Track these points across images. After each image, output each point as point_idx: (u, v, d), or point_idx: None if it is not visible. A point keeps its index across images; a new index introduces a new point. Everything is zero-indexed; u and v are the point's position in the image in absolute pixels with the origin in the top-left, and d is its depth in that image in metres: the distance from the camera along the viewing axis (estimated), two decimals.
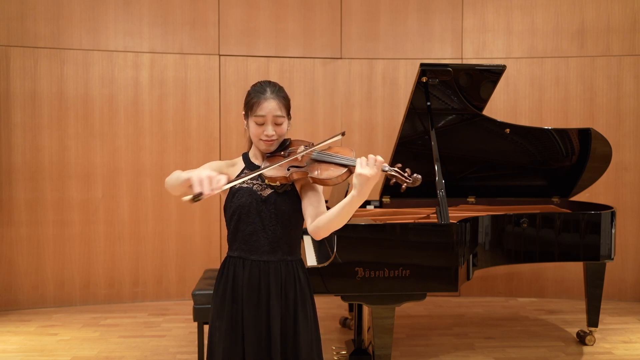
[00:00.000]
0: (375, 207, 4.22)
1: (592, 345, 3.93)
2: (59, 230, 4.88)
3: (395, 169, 1.86)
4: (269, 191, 2.02)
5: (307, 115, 5.18)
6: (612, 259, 3.69)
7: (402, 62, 5.21)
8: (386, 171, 1.84)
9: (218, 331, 2.06)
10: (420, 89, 3.56)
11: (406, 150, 3.91)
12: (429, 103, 3.60)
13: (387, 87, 5.23)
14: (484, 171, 4.20)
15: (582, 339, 3.98)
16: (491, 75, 3.67)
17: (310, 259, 3.16)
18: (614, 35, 5.06)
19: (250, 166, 2.09)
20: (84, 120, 4.91)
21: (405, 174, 1.85)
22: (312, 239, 3.76)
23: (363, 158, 1.82)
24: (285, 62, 5.17)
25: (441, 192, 3.19)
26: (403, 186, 1.85)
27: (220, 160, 2.23)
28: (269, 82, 2.08)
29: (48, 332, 4.24)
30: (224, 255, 2.14)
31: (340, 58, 5.21)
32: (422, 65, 3.44)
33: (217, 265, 2.19)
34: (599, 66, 5.08)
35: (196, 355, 3.50)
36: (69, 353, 3.82)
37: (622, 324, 4.44)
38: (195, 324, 3.54)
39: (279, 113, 2.01)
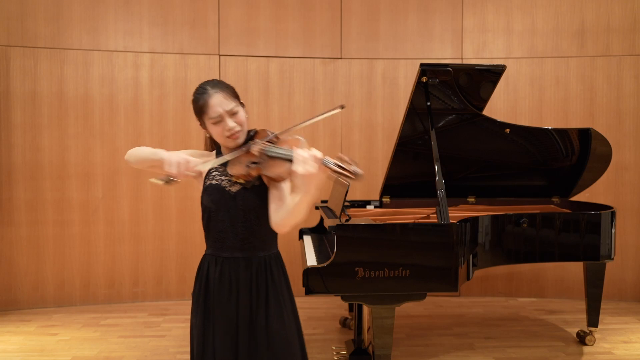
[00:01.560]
0: (375, 207, 4.22)
1: (592, 345, 3.93)
2: (59, 230, 4.88)
3: (338, 163, 1.71)
4: (237, 187, 1.98)
5: (307, 115, 5.17)
6: (612, 259, 3.69)
7: (402, 62, 5.21)
8: (328, 166, 1.71)
9: (195, 328, 2.05)
10: (420, 89, 3.56)
11: (406, 150, 3.92)
12: (429, 103, 3.59)
13: (387, 87, 5.23)
14: (484, 171, 4.20)
15: (582, 339, 3.98)
16: (491, 75, 3.67)
17: (310, 259, 3.16)
18: (614, 35, 5.06)
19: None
20: (84, 120, 4.91)
21: (346, 169, 1.70)
22: (312, 239, 3.77)
23: (300, 152, 1.73)
24: (285, 62, 5.17)
25: (441, 192, 3.19)
26: (346, 182, 1.72)
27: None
28: (206, 81, 2.03)
29: (48, 332, 4.24)
30: None
31: (340, 58, 5.21)
32: (422, 65, 3.44)
33: None
34: (599, 66, 5.08)
35: None
36: (69, 353, 3.82)
37: (622, 324, 4.44)
38: None
39: (228, 106, 1.96)
